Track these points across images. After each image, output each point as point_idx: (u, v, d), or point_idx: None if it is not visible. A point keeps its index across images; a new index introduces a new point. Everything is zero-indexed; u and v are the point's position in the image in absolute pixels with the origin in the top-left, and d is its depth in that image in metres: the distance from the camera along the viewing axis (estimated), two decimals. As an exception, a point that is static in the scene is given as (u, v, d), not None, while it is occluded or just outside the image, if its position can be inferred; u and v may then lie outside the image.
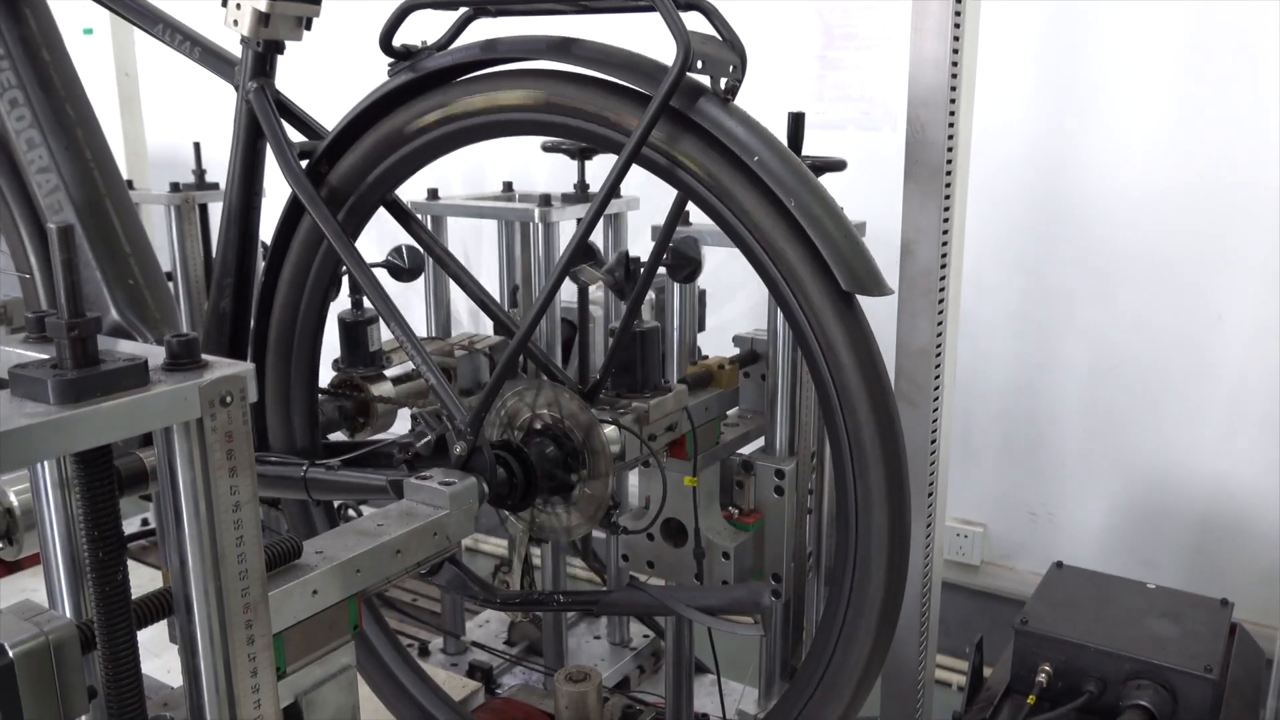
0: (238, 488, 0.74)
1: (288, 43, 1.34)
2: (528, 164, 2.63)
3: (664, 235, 1.21)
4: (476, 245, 2.92)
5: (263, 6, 1.27)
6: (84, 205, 1.50)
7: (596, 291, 1.92)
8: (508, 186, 2.23)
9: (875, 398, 0.99)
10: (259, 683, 0.79)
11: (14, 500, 1.01)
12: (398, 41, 1.20)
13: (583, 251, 1.02)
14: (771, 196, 1.00)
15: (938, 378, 1.62)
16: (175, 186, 2.09)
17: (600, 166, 2.14)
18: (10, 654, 0.71)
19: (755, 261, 1.03)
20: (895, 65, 2.31)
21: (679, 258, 1.34)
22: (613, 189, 1.02)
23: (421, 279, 2.01)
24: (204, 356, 0.74)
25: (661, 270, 1.35)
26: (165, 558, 0.75)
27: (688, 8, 1.03)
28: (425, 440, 1.17)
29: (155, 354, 0.73)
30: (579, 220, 1.93)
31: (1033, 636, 1.47)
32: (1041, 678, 1.51)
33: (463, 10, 1.18)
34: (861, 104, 2.41)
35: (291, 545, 0.91)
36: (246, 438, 0.74)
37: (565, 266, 1.06)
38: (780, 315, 1.52)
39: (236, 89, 1.34)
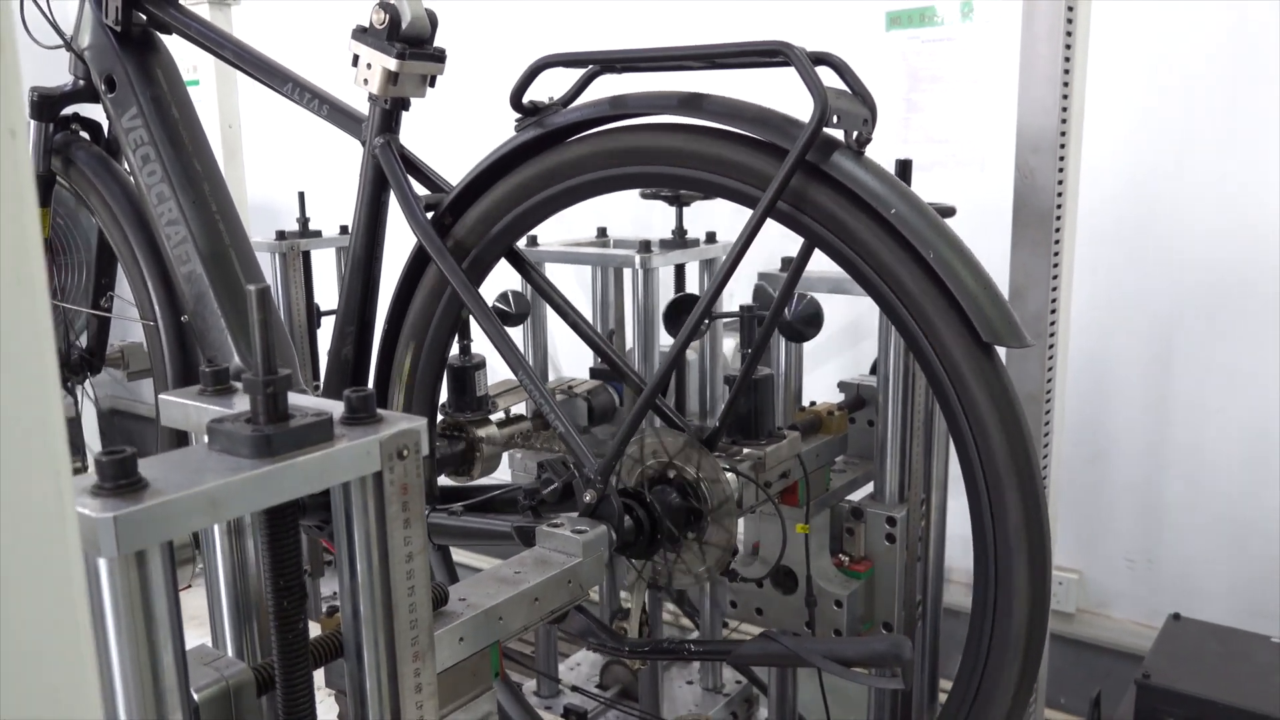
0: (411, 538, 0.76)
1: (412, 99, 1.39)
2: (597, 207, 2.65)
3: (787, 286, 1.22)
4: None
5: (393, 66, 1.31)
6: (209, 255, 1.56)
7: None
8: (601, 232, 2.26)
9: (1016, 449, 0.98)
10: (424, 731, 0.80)
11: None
12: (526, 98, 1.23)
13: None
14: (906, 247, 1.01)
15: (1048, 424, 1.60)
16: (281, 234, 2.15)
17: (695, 213, 2.16)
18: (196, 699, 0.73)
19: (890, 312, 1.03)
20: (980, 106, 2.31)
21: (804, 321, 1.36)
22: (748, 243, 1.03)
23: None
24: (378, 411, 0.76)
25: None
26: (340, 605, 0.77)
27: (819, 62, 1.05)
28: (552, 487, 1.19)
29: (334, 408, 0.75)
30: (676, 266, 1.95)
31: (1156, 691, 1.43)
32: (1166, 733, 1.46)
33: (589, 67, 1.21)
34: (948, 145, 2.41)
35: (440, 592, 0.93)
36: (419, 490, 0.76)
37: (700, 318, 1.07)
38: (892, 362, 1.52)
39: (363, 144, 1.39)
